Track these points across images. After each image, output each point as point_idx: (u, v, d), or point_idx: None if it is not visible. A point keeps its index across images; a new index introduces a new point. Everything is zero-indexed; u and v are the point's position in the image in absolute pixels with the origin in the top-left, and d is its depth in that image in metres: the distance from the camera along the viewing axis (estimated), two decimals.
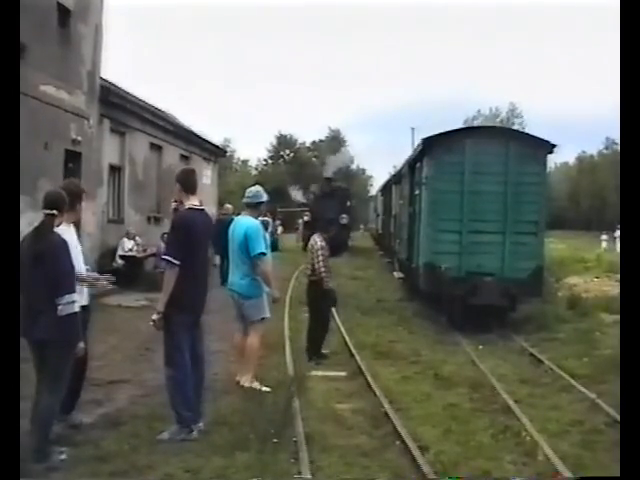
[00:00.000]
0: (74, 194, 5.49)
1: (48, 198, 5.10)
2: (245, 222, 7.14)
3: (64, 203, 5.16)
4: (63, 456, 4.97)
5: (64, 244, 4.98)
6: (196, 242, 5.60)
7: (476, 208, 11.48)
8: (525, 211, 11.55)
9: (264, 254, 6.97)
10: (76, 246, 5.44)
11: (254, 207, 7.28)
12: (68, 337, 4.92)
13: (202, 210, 5.84)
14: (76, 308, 4.95)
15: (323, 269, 8.80)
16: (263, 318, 7.21)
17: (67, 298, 4.84)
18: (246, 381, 7.03)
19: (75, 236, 5.57)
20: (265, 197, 7.36)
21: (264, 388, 6.93)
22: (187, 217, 5.66)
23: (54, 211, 4.98)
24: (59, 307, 4.80)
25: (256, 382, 7.04)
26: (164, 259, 5.58)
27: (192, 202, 5.69)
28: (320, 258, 8.80)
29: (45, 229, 4.97)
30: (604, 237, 36.54)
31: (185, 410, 5.57)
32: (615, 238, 34.87)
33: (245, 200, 7.35)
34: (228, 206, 20.00)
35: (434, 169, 11.96)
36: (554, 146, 11.87)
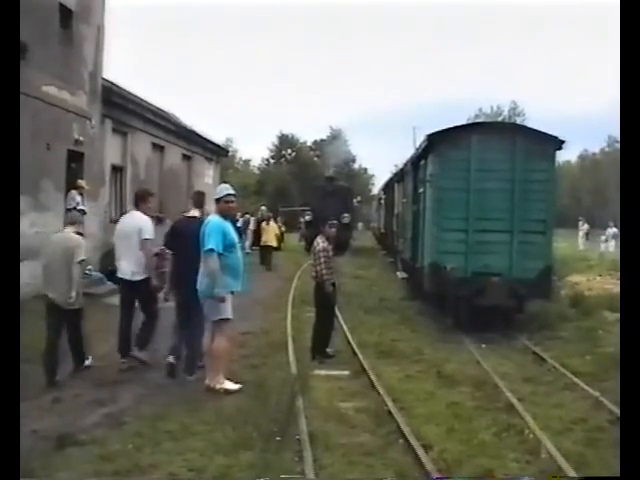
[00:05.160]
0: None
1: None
2: (207, 220, 7.01)
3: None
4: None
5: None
6: (182, 241, 7.29)
7: (482, 206, 11.20)
8: (533, 209, 11.25)
9: (212, 250, 6.67)
10: None
11: (216, 203, 7.09)
12: None
13: (194, 218, 7.61)
14: None
15: (325, 271, 8.81)
16: (223, 319, 6.89)
17: None
18: (216, 383, 6.86)
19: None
20: (224, 192, 7.07)
21: (235, 386, 6.86)
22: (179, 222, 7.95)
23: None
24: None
25: (227, 382, 6.90)
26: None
27: (193, 213, 7.75)
28: (322, 260, 8.80)
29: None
30: (582, 230, 36.38)
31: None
32: (586, 234, 35.08)
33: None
34: (263, 208, 25.49)
35: (439, 166, 11.68)
36: (563, 142, 11.54)
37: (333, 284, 9.03)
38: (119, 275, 7.89)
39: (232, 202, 7.11)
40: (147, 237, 7.73)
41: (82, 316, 7.59)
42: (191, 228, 7.21)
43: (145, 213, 8.01)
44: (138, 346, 7.89)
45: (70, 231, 7.53)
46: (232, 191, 7.16)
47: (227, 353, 7.08)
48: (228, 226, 6.98)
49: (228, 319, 6.92)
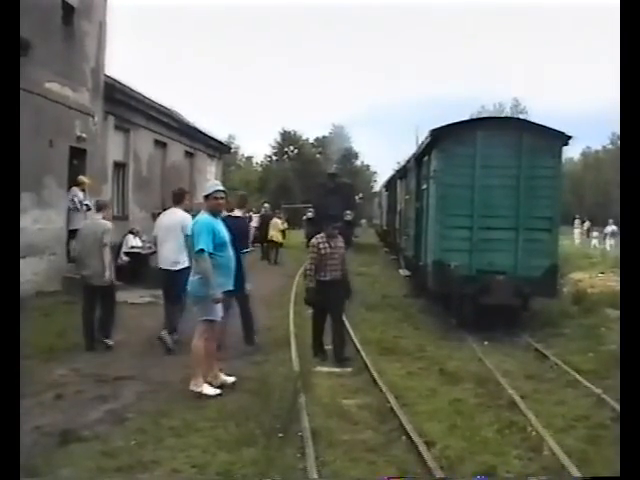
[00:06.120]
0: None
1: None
2: (196, 218, 6.92)
3: None
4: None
5: None
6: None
7: (487, 203, 11.01)
8: (539, 206, 11.05)
9: (203, 250, 6.52)
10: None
11: (205, 200, 6.95)
12: None
13: (238, 217, 8.83)
14: None
15: (309, 267, 8.63)
16: (208, 320, 6.69)
17: None
18: (193, 385, 6.65)
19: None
20: (213, 189, 6.92)
21: (215, 391, 6.63)
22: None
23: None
24: None
25: (206, 385, 6.68)
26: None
27: (236, 213, 8.92)
28: (309, 256, 8.69)
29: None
30: (583, 227, 36.42)
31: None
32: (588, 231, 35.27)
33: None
34: (266, 205, 27.13)
35: (443, 162, 11.44)
36: (569, 138, 11.33)
37: (324, 282, 8.56)
38: (160, 266, 8.74)
39: (222, 199, 6.92)
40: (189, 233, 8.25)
41: (114, 292, 8.75)
42: (238, 225, 8.28)
43: (185, 210, 8.74)
44: (167, 330, 8.61)
45: (99, 217, 8.65)
46: (221, 187, 6.99)
47: (205, 354, 6.78)
48: (218, 224, 6.80)
49: (214, 320, 6.72)
